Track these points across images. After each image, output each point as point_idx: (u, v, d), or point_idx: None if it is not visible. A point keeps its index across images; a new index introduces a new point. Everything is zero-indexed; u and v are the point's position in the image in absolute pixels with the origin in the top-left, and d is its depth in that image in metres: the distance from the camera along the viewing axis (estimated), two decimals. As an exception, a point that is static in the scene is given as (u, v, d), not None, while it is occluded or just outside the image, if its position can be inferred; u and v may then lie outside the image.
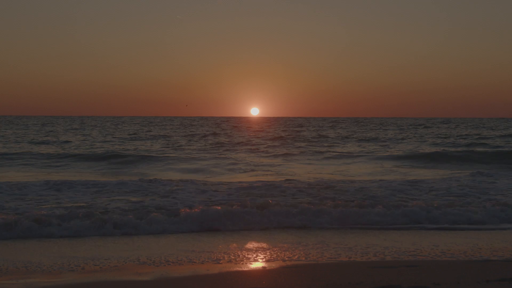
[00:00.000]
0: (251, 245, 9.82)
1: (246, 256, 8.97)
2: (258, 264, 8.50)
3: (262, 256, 8.97)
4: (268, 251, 9.32)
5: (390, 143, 45.68)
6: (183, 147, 39.69)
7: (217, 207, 12.47)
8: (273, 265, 8.37)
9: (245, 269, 8.20)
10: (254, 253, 9.17)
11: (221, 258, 8.79)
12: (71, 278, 7.58)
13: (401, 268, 8.00)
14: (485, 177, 20.44)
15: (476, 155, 31.84)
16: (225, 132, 66.73)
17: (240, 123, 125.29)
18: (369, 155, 33.18)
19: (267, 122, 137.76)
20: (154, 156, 30.97)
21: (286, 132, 66.36)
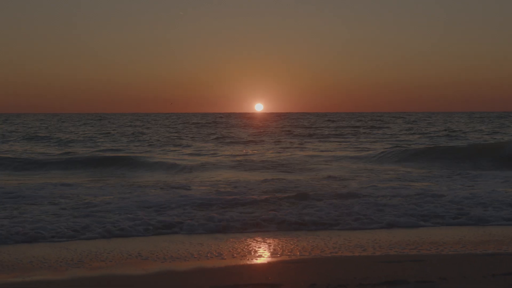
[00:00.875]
0: (254, 241, 9.84)
1: (250, 252, 9.00)
2: (262, 259, 8.52)
3: (266, 252, 9.00)
4: (271, 247, 9.34)
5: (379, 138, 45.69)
6: (162, 145, 39.13)
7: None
8: (278, 260, 8.40)
9: (250, 264, 8.22)
10: (258, 249, 9.19)
11: (226, 254, 8.81)
12: (77, 274, 7.60)
13: (405, 262, 7.99)
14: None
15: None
16: (219, 128, 66.75)
17: (236, 118, 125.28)
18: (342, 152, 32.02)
19: (265, 117, 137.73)
20: (120, 156, 28.19)
21: (282, 128, 66.38)
